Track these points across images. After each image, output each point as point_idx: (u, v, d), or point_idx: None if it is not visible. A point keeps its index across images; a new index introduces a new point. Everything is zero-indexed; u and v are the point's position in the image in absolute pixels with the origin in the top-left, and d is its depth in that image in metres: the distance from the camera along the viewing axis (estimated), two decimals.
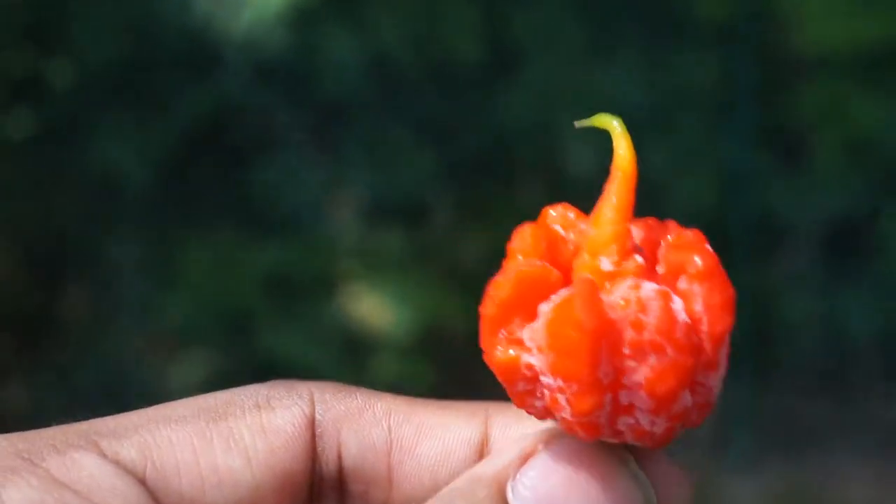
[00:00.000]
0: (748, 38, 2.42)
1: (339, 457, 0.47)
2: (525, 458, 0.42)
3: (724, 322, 0.41)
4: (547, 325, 0.40)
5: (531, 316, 0.41)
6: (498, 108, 2.42)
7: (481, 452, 0.48)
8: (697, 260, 0.41)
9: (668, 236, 0.42)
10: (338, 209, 2.52)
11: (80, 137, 2.46)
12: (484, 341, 0.41)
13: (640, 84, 2.38)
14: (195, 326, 2.42)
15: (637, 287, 0.40)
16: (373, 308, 2.37)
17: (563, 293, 0.40)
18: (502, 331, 0.41)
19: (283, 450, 0.46)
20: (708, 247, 0.41)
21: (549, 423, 0.44)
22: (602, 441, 0.42)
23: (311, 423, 0.47)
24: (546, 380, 0.40)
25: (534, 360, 0.40)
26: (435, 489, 0.46)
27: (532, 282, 0.41)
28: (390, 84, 2.47)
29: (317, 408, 0.47)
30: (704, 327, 0.40)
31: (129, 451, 0.44)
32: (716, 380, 0.41)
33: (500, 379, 0.41)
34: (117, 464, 0.43)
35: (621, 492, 0.42)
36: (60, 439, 0.43)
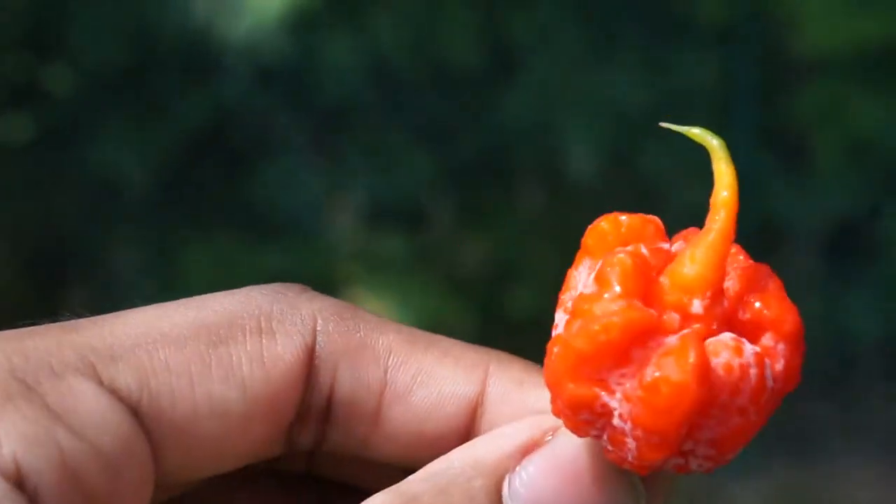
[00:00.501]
0: (748, 38, 2.42)
1: (332, 389, 0.47)
2: (529, 448, 0.42)
3: (796, 381, 0.41)
4: (646, 378, 0.39)
5: (624, 360, 0.40)
6: (498, 110, 2.42)
7: (474, 411, 0.47)
8: (790, 319, 0.41)
9: (740, 270, 0.42)
10: (338, 212, 2.52)
11: (80, 141, 2.46)
12: (557, 369, 0.40)
13: (639, 85, 2.38)
14: None
15: (739, 352, 0.40)
16: (373, 311, 2.37)
17: (669, 345, 0.40)
18: (587, 369, 0.40)
19: (278, 379, 0.45)
20: (796, 310, 0.42)
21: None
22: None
23: (311, 354, 0.46)
24: (620, 424, 0.39)
25: (614, 403, 0.39)
26: (420, 435, 0.46)
27: (637, 330, 0.40)
28: (390, 87, 2.47)
29: (318, 338, 0.47)
30: (779, 385, 0.41)
31: (125, 378, 0.43)
32: None
33: (561, 404, 0.40)
34: (113, 392, 0.42)
35: (617, 502, 0.41)
36: (57, 357, 0.42)
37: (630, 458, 0.40)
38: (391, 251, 2.48)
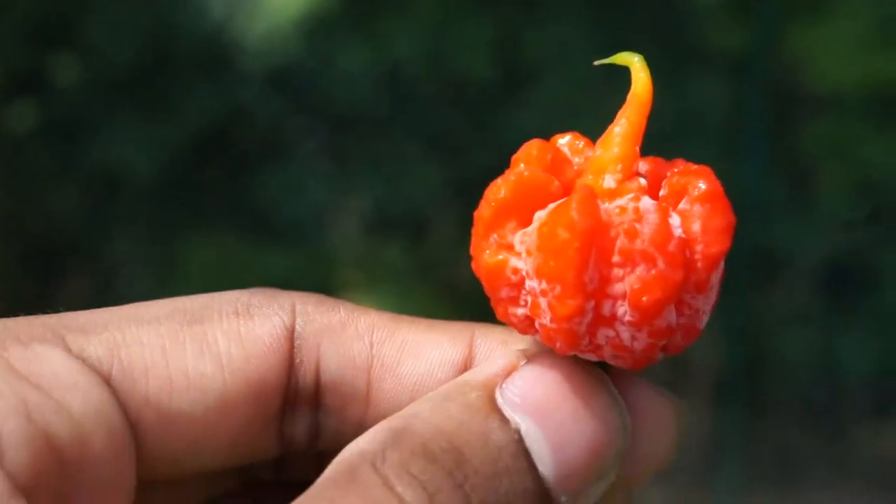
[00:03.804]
0: (760, 70, 2.43)
1: (318, 371, 0.46)
2: (509, 370, 0.42)
3: (722, 244, 0.41)
4: (539, 226, 0.40)
5: (526, 222, 0.41)
6: (507, 125, 2.43)
7: None
8: (702, 183, 0.41)
9: (677, 167, 0.43)
10: (342, 219, 2.52)
11: (85, 134, 2.47)
12: (474, 244, 0.41)
13: (651, 109, 2.38)
14: None
15: (637, 199, 0.40)
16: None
17: (562, 201, 0.40)
18: (494, 235, 0.41)
19: (258, 359, 0.45)
20: (714, 176, 0.41)
21: (531, 344, 0.44)
22: (580, 359, 0.42)
23: (291, 335, 0.46)
24: (531, 283, 0.40)
25: (521, 263, 0.40)
26: None
27: (532, 188, 0.41)
28: (401, 97, 2.47)
29: (297, 319, 0.46)
30: (700, 247, 0.40)
31: (95, 349, 0.42)
32: (705, 304, 0.41)
33: (485, 286, 0.41)
34: (83, 360, 0.42)
35: (602, 407, 0.42)
36: (25, 331, 0.42)
37: (549, 324, 0.39)
38: (393, 260, 2.48)
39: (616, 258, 0.39)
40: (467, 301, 2.35)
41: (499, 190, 0.41)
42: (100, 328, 0.43)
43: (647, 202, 0.40)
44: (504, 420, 0.41)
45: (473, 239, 0.42)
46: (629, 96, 0.43)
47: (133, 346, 0.43)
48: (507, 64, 2.49)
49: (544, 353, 0.43)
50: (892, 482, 2.31)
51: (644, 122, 0.43)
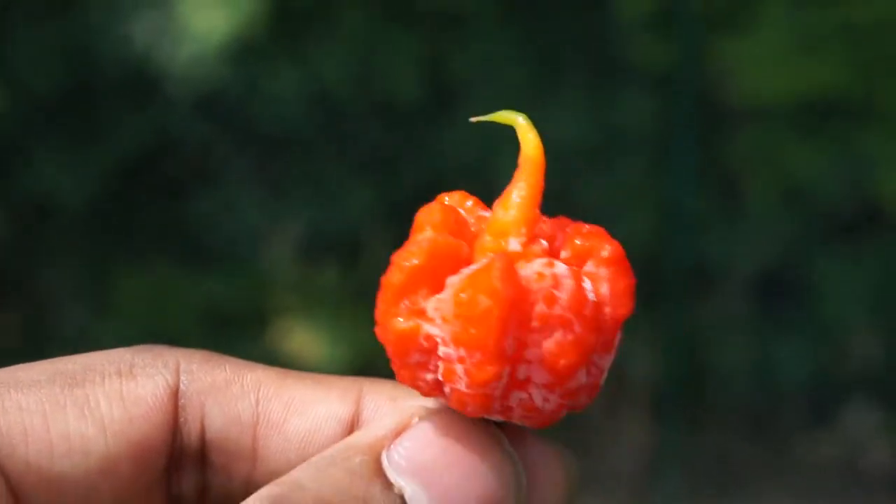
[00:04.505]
0: (686, 84, 2.45)
1: (202, 429, 0.46)
2: (399, 431, 0.42)
3: (627, 306, 0.42)
4: (458, 292, 0.40)
5: (438, 287, 0.41)
6: (438, 145, 2.43)
7: (352, 430, 0.46)
8: (607, 246, 0.42)
9: (569, 228, 0.43)
10: (275, 243, 2.51)
11: (13, 163, 2.44)
12: (382, 311, 0.41)
13: (580, 124, 2.40)
14: None
15: (551, 265, 0.41)
16: (306, 343, 2.36)
17: (477, 265, 0.41)
18: (405, 301, 0.41)
19: (141, 420, 0.45)
20: (612, 238, 0.43)
21: (427, 401, 0.43)
22: (478, 419, 0.42)
23: (175, 394, 0.46)
24: (445, 350, 0.40)
25: (435, 330, 0.40)
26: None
27: (444, 253, 0.41)
28: (331, 119, 2.47)
29: (181, 378, 0.46)
30: (608, 309, 0.42)
31: None
32: (608, 363, 0.42)
33: (391, 351, 0.41)
34: None
35: (495, 467, 0.41)
36: None
37: (464, 389, 0.40)
38: (327, 283, 2.47)
39: (534, 323, 0.40)
40: None
41: (411, 256, 0.41)
42: None
43: (561, 268, 0.41)
44: (387, 485, 0.41)
45: (381, 305, 0.41)
46: (521, 159, 0.44)
47: (12, 412, 0.43)
48: (435, 83, 2.50)
49: (438, 410, 0.42)
50: (829, 489, 2.33)
51: (542, 182, 0.43)
